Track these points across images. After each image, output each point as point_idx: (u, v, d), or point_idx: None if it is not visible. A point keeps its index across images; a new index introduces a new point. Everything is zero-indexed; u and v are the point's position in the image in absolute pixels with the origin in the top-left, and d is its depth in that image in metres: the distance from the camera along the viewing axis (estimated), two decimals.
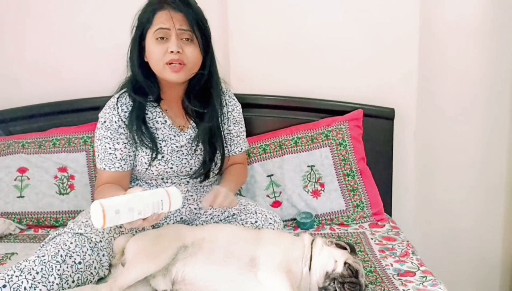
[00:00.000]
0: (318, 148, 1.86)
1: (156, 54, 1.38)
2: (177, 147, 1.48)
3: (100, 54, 2.03)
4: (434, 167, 2.09)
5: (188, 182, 1.54)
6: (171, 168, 1.48)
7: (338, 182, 1.83)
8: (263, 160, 1.87)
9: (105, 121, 1.44)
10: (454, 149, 2.08)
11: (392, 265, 1.46)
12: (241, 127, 1.66)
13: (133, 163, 1.48)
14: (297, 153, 1.86)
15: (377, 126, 1.94)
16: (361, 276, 1.21)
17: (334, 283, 1.18)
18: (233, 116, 1.62)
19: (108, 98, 1.87)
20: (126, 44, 1.97)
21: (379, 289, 1.31)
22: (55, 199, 1.83)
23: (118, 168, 1.44)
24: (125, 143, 1.44)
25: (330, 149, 1.86)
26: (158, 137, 1.47)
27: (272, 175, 1.86)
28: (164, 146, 1.47)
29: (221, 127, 1.53)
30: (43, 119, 1.98)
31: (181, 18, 1.37)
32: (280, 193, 1.83)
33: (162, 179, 1.51)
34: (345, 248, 1.26)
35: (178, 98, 1.51)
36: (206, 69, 1.45)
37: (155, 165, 1.46)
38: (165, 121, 1.49)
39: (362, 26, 1.95)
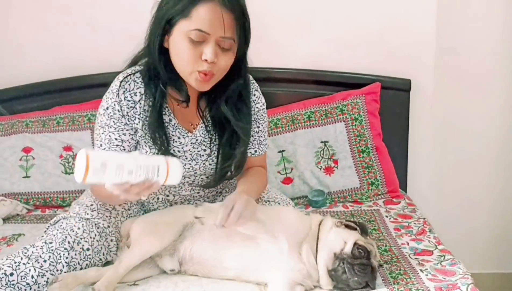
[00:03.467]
0: (333, 123, 1.81)
1: (187, 57, 1.15)
2: (179, 151, 1.30)
3: (103, 29, 1.96)
4: (451, 142, 2.04)
5: (198, 192, 1.39)
6: None
7: (353, 159, 1.78)
8: (275, 135, 1.82)
9: (107, 108, 1.25)
10: (472, 122, 2.02)
11: (408, 243, 1.42)
12: (259, 127, 1.38)
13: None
14: (310, 127, 1.81)
15: (393, 98, 1.88)
16: (373, 257, 1.15)
17: (343, 264, 1.13)
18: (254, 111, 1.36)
19: (112, 74, 1.79)
20: (130, 20, 1.92)
21: (395, 269, 1.26)
22: (61, 178, 1.81)
23: None
24: (132, 134, 1.27)
25: (345, 124, 1.80)
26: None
27: (283, 150, 1.81)
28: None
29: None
30: (46, 97, 1.93)
31: (228, 20, 1.13)
32: (292, 169, 1.79)
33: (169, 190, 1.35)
34: (355, 229, 1.21)
35: (195, 96, 1.30)
36: (242, 78, 1.28)
37: None
38: (170, 120, 1.29)
39: None
